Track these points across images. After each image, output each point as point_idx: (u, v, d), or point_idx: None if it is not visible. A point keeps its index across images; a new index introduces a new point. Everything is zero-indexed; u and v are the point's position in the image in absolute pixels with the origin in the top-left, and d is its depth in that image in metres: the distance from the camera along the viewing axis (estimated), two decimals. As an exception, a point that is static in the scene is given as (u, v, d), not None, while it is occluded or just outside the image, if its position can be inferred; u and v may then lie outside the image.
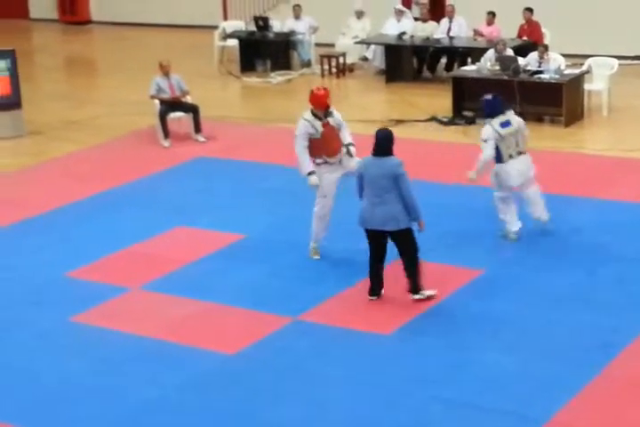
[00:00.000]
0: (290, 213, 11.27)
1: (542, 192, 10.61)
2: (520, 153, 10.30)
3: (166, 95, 14.55)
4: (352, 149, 10.15)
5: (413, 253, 9.16)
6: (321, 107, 9.97)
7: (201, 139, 14.63)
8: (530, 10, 17.45)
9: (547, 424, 7.16)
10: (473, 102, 15.00)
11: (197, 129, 14.65)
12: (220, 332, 8.84)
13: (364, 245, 9.27)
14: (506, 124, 10.20)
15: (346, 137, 10.18)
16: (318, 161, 10.05)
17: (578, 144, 13.91)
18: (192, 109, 14.65)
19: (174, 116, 14.66)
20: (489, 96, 10.36)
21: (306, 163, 9.96)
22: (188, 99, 14.81)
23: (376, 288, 9.36)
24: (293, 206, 11.35)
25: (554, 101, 14.70)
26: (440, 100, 15.83)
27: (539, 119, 15.01)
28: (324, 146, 10.05)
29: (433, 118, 15.29)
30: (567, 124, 14.70)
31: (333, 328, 8.79)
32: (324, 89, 10.09)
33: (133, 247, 10.79)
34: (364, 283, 9.50)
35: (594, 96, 15.29)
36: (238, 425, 7.34)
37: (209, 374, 8.12)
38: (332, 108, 10.13)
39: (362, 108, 16.02)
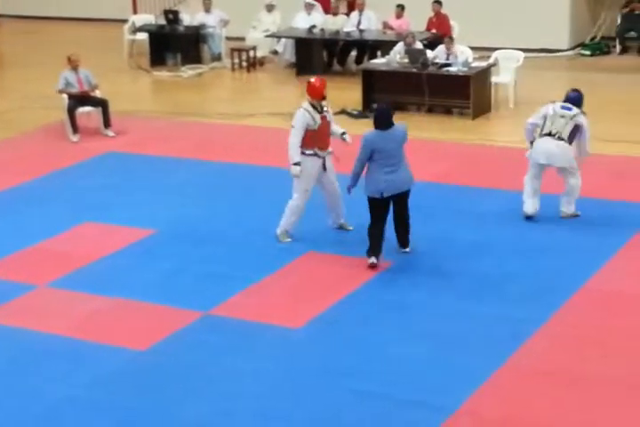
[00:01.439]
0: (200, 208, 11.25)
1: (452, 184, 10.71)
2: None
3: (75, 89, 14.40)
4: (347, 136, 10.37)
5: (408, 211, 9.85)
6: (319, 97, 10.11)
7: (110, 133, 14.50)
8: (438, 2, 17.58)
9: (455, 413, 7.22)
10: (382, 95, 15.08)
11: (107, 124, 14.53)
12: (129, 328, 8.76)
13: (271, 240, 9.24)
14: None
15: (337, 129, 10.38)
16: (309, 152, 10.11)
17: (485, 136, 14.07)
18: (101, 104, 14.52)
19: (83, 110, 14.52)
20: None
21: (296, 153, 10.03)
22: (97, 93, 14.67)
23: (379, 250, 9.74)
24: (204, 201, 11.34)
25: (462, 94, 14.83)
26: (350, 93, 15.88)
27: (447, 112, 15.18)
28: (319, 138, 10.15)
29: (343, 111, 15.32)
30: (475, 117, 14.86)
31: (244, 322, 8.76)
32: (322, 79, 10.29)
33: (40, 244, 10.63)
34: (274, 277, 9.57)
35: (500, 89, 15.49)
36: (149, 422, 7.27)
37: (119, 371, 8.02)
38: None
39: (272, 102, 16.04)
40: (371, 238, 9.73)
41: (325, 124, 10.18)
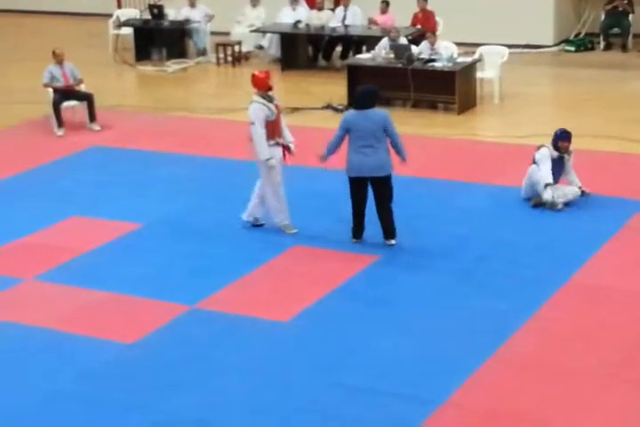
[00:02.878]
0: (187, 202, 11.27)
1: (438, 179, 10.73)
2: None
3: (60, 84, 14.38)
4: (293, 146, 10.43)
5: (391, 198, 9.98)
6: (265, 87, 10.13)
7: (96, 128, 14.47)
8: (422, -2, 17.62)
9: (442, 405, 7.24)
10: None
11: (92, 118, 14.50)
12: (116, 321, 8.75)
13: (258, 234, 9.23)
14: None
15: (289, 135, 10.44)
16: (271, 143, 10.17)
17: (471, 131, 14.08)
18: (86, 98, 14.49)
19: (68, 104, 14.49)
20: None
21: (266, 148, 10.09)
22: (82, 87, 14.64)
23: (360, 232, 10.12)
24: (190, 195, 11.35)
25: (447, 89, 14.83)
26: (335, 88, 15.89)
27: (432, 107, 15.19)
28: (276, 127, 10.23)
29: (328, 106, 15.33)
30: (460, 112, 14.87)
31: (231, 316, 8.76)
32: (266, 71, 10.34)
33: (27, 238, 10.62)
34: (261, 270, 9.60)
35: (486, 84, 15.51)
36: (137, 415, 7.26)
37: (106, 364, 8.01)
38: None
39: (258, 97, 16.00)
40: (353, 219, 10.07)
41: (279, 112, 10.27)
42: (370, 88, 10.11)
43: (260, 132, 10.02)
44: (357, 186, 9.95)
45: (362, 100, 9.88)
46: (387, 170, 9.84)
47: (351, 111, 10.01)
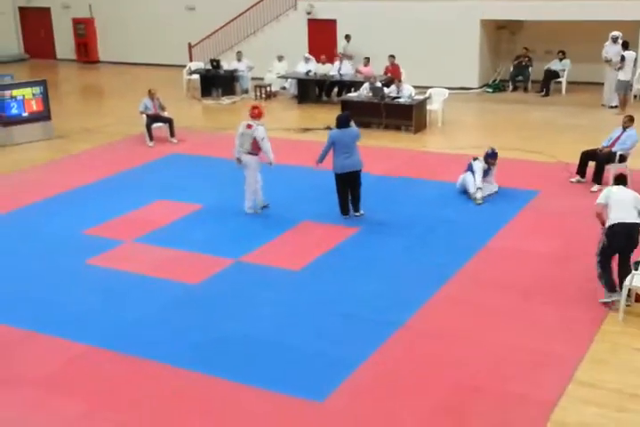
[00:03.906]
0: (232, 191, 11.10)
1: (400, 176, 10.64)
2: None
3: (150, 111, 14.27)
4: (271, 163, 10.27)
5: (360, 185, 9.92)
6: (262, 117, 10.10)
7: (174, 141, 14.34)
8: (392, 56, 17.50)
9: (403, 326, 7.24)
10: (355, 117, 14.77)
11: (172, 134, 14.38)
12: (185, 269, 8.71)
13: (280, 213, 9.13)
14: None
15: (271, 156, 10.23)
16: (255, 152, 10.11)
17: (423, 145, 13.95)
18: (168, 121, 14.38)
19: (156, 125, 14.37)
20: (342, 113, 10.31)
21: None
22: (166, 113, 14.52)
23: (346, 210, 10.03)
24: (235, 187, 11.20)
25: (407, 117, 14.72)
26: (333, 115, 15.23)
27: (397, 128, 15.06)
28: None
29: (328, 127, 15.13)
30: (416, 132, 14.74)
31: (262, 266, 8.73)
32: (258, 107, 10.20)
33: (127, 215, 10.55)
34: (281, 237, 9.55)
35: (433, 113, 15.39)
36: (199, 333, 7.25)
37: (180, 297, 8.01)
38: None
39: (282, 121, 15.91)
40: (339, 201, 10.03)
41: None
42: (345, 114, 10.03)
43: (268, 143, 9.95)
44: (342, 180, 9.89)
45: (341, 122, 9.80)
46: (360, 165, 9.85)
47: (335, 130, 9.86)
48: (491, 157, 10.87)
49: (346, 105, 15.40)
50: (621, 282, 7.41)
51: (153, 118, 14.29)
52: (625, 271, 7.43)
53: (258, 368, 6.58)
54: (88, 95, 20.58)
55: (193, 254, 9.11)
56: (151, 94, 14.32)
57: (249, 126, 10.03)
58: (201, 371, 6.57)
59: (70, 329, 7.34)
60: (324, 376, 6.43)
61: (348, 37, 18.83)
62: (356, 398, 6.15)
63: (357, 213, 10.08)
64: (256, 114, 10.06)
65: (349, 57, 18.41)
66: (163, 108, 14.49)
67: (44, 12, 24.78)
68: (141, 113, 14.34)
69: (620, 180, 7.88)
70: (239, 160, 10.24)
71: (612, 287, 7.45)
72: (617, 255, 7.55)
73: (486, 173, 10.81)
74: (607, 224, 7.49)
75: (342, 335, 7.10)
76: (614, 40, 16.00)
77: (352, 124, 9.90)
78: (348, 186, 9.96)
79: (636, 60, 15.94)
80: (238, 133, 10.16)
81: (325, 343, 6.96)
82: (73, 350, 6.98)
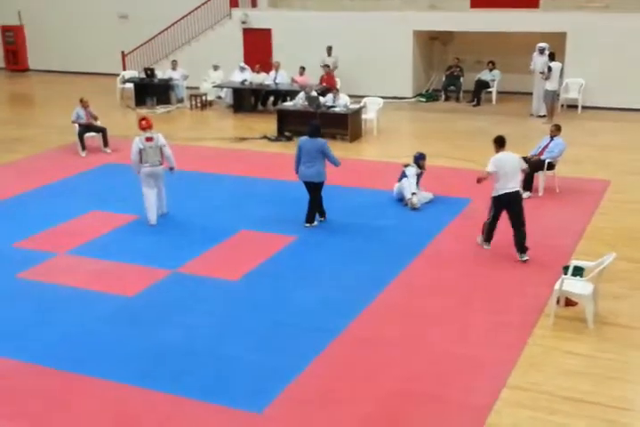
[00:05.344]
0: (169, 200, 10.99)
1: (336, 185, 10.66)
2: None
3: (83, 120, 14.00)
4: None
5: (320, 196, 10.01)
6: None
7: (108, 151, 14.11)
8: (327, 66, 17.64)
9: (340, 334, 7.24)
10: (290, 126, 15.02)
11: (105, 144, 14.15)
12: (122, 281, 8.55)
13: (216, 223, 9.05)
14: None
15: (172, 161, 10.41)
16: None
17: (358, 153, 14.06)
18: (102, 130, 14.14)
19: (89, 135, 14.10)
20: (313, 122, 10.31)
21: None
22: (98, 122, 14.26)
23: (312, 218, 10.04)
24: (170, 196, 11.09)
25: (343, 126, 14.82)
26: (269, 125, 15.75)
27: (333, 137, 15.08)
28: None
29: (264, 137, 15.20)
30: (351, 141, 14.85)
31: (200, 277, 8.64)
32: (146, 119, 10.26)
33: (60, 225, 10.33)
34: (218, 247, 9.46)
35: (368, 122, 15.54)
36: (137, 342, 7.13)
37: (115, 310, 7.86)
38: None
39: (218, 130, 15.83)
40: (308, 210, 10.04)
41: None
42: (316, 124, 9.92)
43: (170, 149, 10.06)
44: (306, 187, 9.98)
45: (312, 131, 9.78)
46: (322, 177, 9.86)
47: (304, 137, 9.86)
48: (420, 159, 11.04)
49: (282, 114, 15.43)
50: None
51: (85, 128, 14.03)
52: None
53: (195, 380, 6.49)
54: (17, 104, 20.08)
55: (129, 266, 8.95)
56: (83, 103, 14.04)
57: (148, 139, 9.99)
58: (137, 384, 6.44)
59: (0, 346, 7.11)
60: (262, 387, 6.39)
61: (329, 50, 18.15)
62: (296, 408, 6.12)
63: (322, 219, 10.16)
64: (147, 125, 10.09)
65: (330, 68, 17.67)
66: (95, 118, 14.23)
67: (-29, 19, 24.12)
68: (73, 122, 14.05)
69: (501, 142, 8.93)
70: (152, 174, 10.15)
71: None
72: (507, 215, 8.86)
73: (419, 178, 10.96)
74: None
75: (281, 345, 7.07)
76: (541, 51, 16.46)
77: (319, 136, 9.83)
78: (312, 192, 10.00)
79: (562, 70, 16.43)
80: (136, 150, 10.05)
81: (264, 353, 6.92)
82: (2, 366, 6.75)
